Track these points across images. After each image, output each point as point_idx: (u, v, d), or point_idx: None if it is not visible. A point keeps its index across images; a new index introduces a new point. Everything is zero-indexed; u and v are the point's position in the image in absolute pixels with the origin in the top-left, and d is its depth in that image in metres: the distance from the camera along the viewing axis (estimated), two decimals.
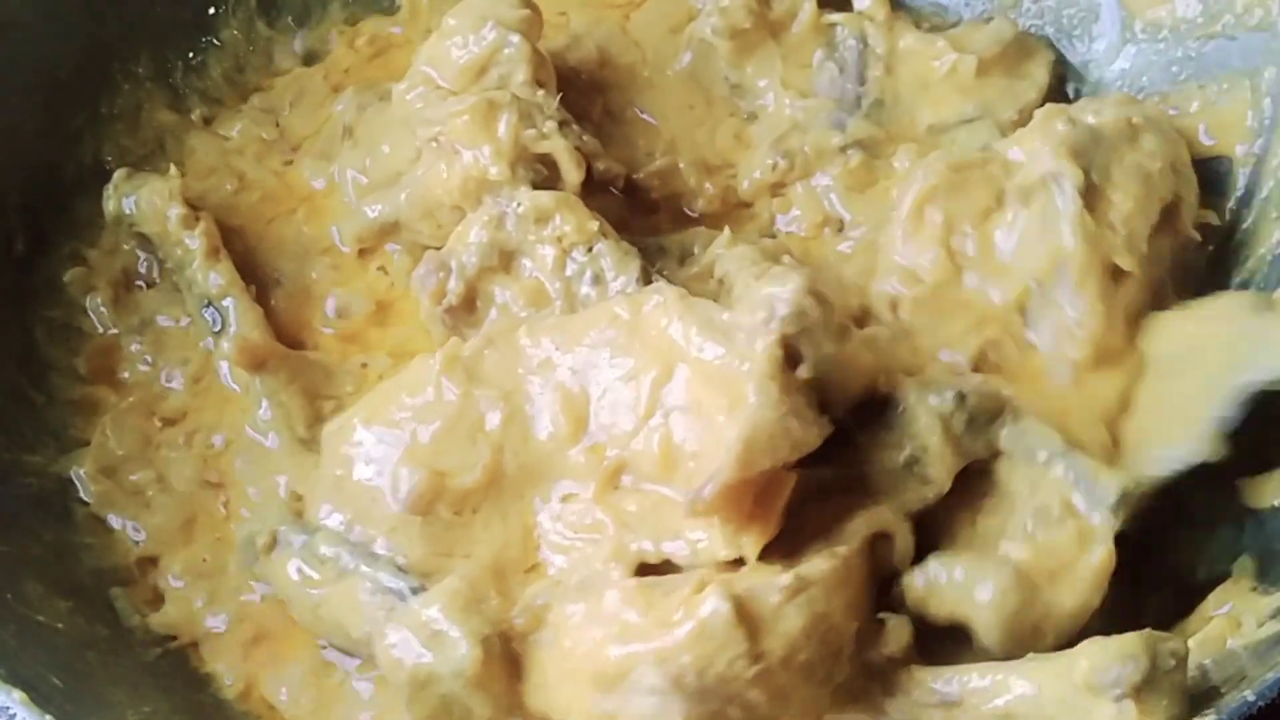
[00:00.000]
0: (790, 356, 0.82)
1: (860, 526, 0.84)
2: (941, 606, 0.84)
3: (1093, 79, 1.14)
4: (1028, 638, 0.83)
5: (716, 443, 0.81)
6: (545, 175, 1.00)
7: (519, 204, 0.96)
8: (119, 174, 1.07)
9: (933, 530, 0.87)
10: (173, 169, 1.07)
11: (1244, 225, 1.04)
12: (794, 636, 0.79)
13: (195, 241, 1.04)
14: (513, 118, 1.00)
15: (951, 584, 0.83)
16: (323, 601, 0.91)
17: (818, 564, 0.81)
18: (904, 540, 0.85)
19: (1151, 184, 0.96)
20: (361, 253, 1.08)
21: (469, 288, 0.97)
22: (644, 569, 0.84)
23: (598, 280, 0.94)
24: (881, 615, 0.84)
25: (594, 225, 0.95)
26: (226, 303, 1.03)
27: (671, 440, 0.84)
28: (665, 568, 0.84)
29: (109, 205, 1.06)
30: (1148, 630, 0.78)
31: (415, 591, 0.87)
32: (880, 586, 0.86)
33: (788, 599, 0.79)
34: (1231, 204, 1.05)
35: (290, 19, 1.21)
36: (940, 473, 0.86)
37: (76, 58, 1.11)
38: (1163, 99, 1.09)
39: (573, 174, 1.00)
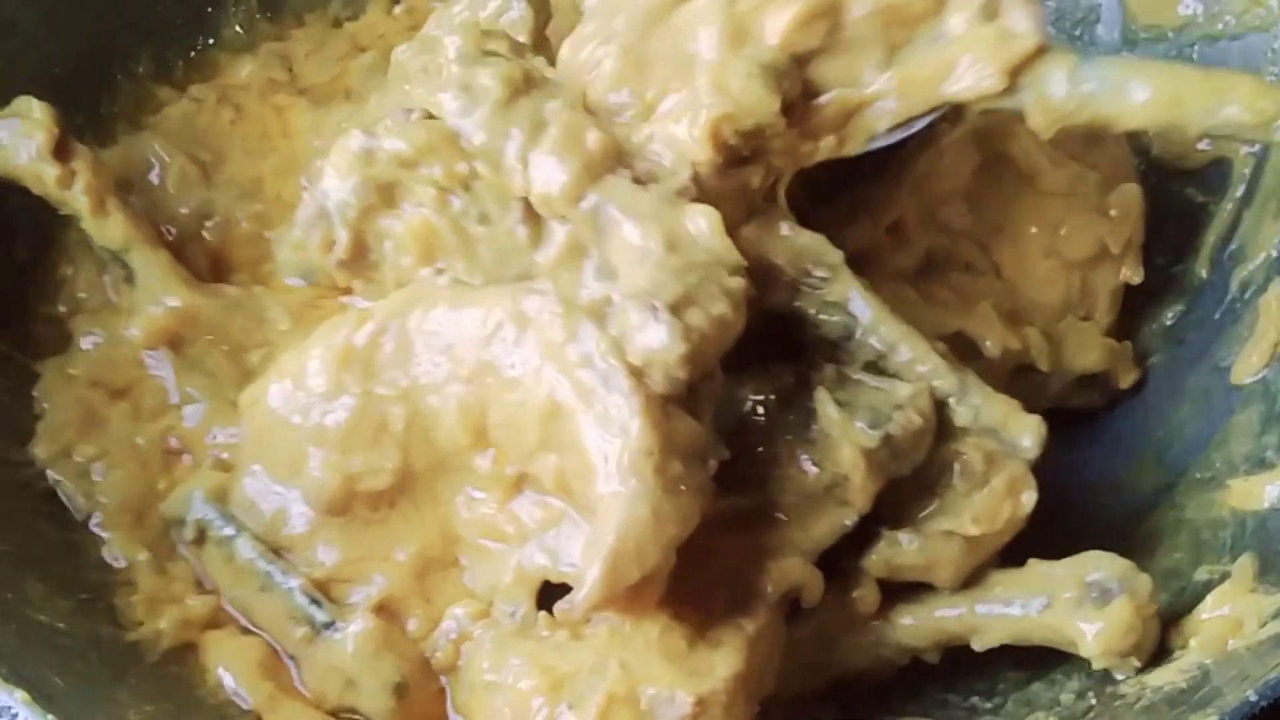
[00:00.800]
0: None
1: (771, 590, 0.84)
2: (903, 577, 0.88)
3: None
4: (973, 570, 0.89)
5: (597, 503, 0.79)
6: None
7: (380, 147, 0.91)
8: None
9: None
10: (38, 109, 0.98)
11: (1244, 225, 1.04)
12: None
13: (79, 200, 0.98)
14: (503, 48, 0.96)
15: (908, 565, 0.87)
16: (252, 607, 0.91)
17: (719, 669, 0.81)
18: (816, 587, 0.85)
19: None
20: None
21: (356, 235, 0.92)
22: (549, 584, 0.85)
23: (484, 220, 0.90)
24: (855, 595, 0.88)
25: (464, 167, 0.89)
26: (130, 254, 0.99)
27: (564, 474, 0.82)
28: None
29: None
30: (1126, 574, 0.85)
31: (328, 627, 0.88)
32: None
33: None
34: (1231, 204, 1.05)
35: (292, 17, 1.21)
36: (861, 500, 0.86)
37: (76, 58, 1.11)
38: None
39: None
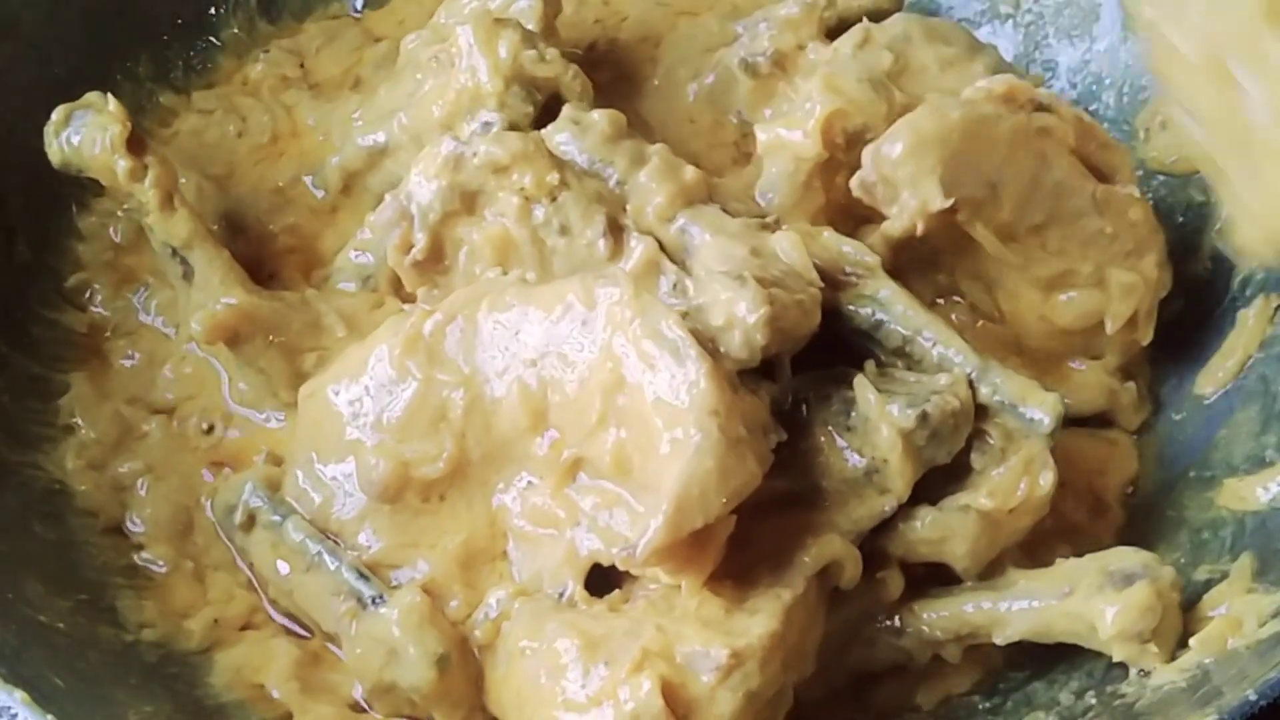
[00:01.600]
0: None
1: (809, 562, 0.85)
2: (920, 555, 0.89)
3: (1093, 79, 1.14)
4: (992, 557, 0.90)
5: (658, 472, 0.81)
6: (539, 101, 1.00)
7: (474, 153, 0.93)
8: (57, 115, 0.99)
9: None
10: (112, 103, 0.99)
11: None
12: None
13: (148, 194, 0.98)
14: (515, 36, 1.00)
15: (923, 540, 0.88)
16: (295, 589, 0.92)
17: (755, 628, 0.82)
18: (854, 567, 0.86)
19: None
20: (346, 189, 1.08)
21: (434, 238, 0.95)
22: (598, 567, 0.86)
23: (564, 231, 0.92)
24: (879, 575, 0.88)
25: (554, 178, 0.92)
26: (191, 252, 0.99)
27: (624, 449, 0.83)
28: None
29: (51, 151, 0.99)
30: (1149, 563, 0.85)
31: (375, 601, 0.88)
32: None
33: (721, 680, 0.80)
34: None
35: (290, 17, 1.21)
36: (900, 485, 0.86)
37: (76, 58, 1.11)
38: (1158, 100, 1.10)
39: (587, 94, 1.01)
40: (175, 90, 1.16)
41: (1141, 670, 0.85)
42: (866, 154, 0.92)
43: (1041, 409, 0.88)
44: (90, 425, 1.01)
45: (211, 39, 1.19)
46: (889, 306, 0.91)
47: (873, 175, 0.91)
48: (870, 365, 0.90)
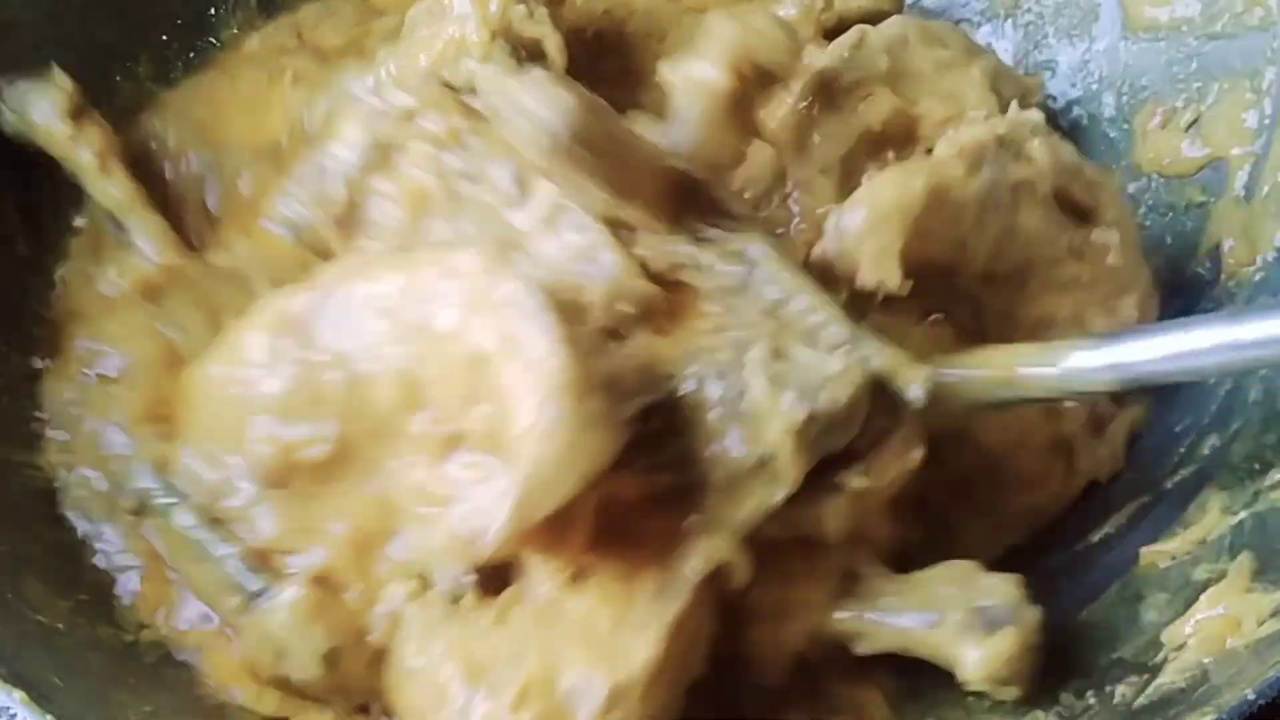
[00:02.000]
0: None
1: (697, 567, 0.82)
2: (792, 530, 0.86)
3: (1093, 79, 1.14)
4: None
5: (517, 447, 0.79)
6: (523, 58, 1.00)
7: (387, 103, 0.94)
8: (2, 84, 1.02)
9: None
10: (58, 73, 1.02)
11: (1243, 225, 1.04)
12: None
13: (84, 156, 1.01)
14: None
15: (793, 521, 0.85)
16: (192, 578, 0.91)
17: (638, 654, 0.80)
18: (742, 570, 0.84)
19: None
20: None
21: (351, 190, 0.95)
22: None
23: (476, 178, 0.92)
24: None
25: (463, 123, 0.93)
26: (129, 217, 1.01)
27: (493, 422, 0.82)
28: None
29: (4, 122, 1.02)
30: (1018, 605, 0.85)
31: (259, 595, 0.88)
32: None
33: (599, 717, 0.79)
34: (1230, 203, 1.05)
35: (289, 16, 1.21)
36: (792, 475, 0.84)
37: (76, 58, 1.11)
38: (1157, 100, 1.10)
39: (559, 59, 1.01)
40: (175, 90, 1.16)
41: (1143, 670, 0.85)
42: (829, 224, 0.90)
43: (914, 385, 0.86)
44: (54, 417, 1.00)
45: (211, 39, 1.19)
46: (758, 264, 0.88)
47: (834, 248, 0.89)
48: (763, 346, 0.86)
